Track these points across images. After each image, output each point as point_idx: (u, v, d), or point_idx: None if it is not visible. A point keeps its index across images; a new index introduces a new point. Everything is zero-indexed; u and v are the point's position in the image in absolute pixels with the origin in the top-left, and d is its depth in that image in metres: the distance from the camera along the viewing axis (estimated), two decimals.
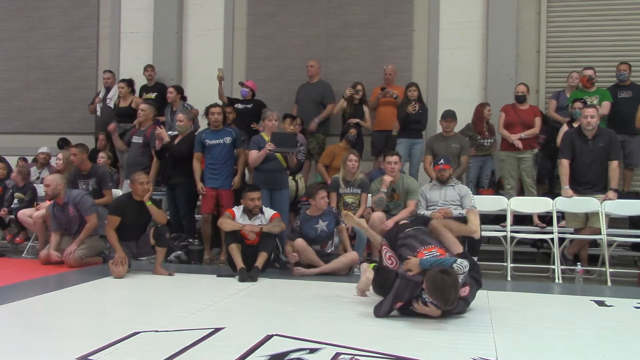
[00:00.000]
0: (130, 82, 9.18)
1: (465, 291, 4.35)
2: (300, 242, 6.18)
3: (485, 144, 8.05)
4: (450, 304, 4.12)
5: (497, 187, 8.10)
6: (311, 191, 6.54)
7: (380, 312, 4.38)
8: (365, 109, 8.49)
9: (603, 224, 6.48)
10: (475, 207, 6.63)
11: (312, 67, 8.87)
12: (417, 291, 4.25)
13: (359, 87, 8.38)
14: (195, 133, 7.59)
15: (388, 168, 6.87)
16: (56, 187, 6.76)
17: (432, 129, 8.53)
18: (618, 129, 7.50)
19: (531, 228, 7.34)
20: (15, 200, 8.21)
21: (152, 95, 9.16)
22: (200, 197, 7.38)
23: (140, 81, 9.48)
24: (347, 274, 6.25)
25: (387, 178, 6.77)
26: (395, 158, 6.90)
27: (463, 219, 5.99)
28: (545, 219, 7.31)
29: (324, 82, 8.94)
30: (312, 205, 6.46)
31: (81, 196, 6.83)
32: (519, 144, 7.49)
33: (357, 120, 8.28)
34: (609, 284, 6.16)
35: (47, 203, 7.09)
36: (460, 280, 4.20)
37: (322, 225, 6.37)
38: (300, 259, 6.22)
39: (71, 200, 6.76)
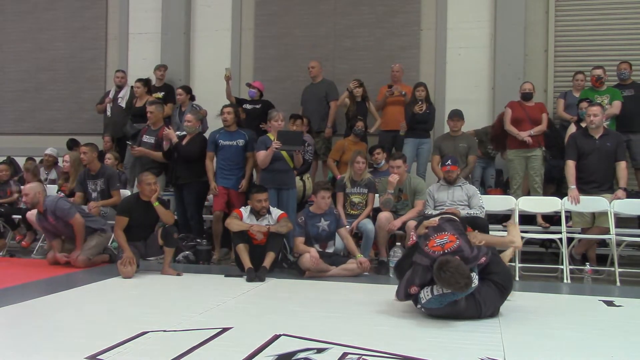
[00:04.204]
0: (147, 82, 9.16)
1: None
2: (307, 258, 6.08)
3: (492, 154, 8.09)
4: (466, 286, 4.14)
5: (505, 187, 8.08)
6: (315, 188, 6.51)
7: (399, 295, 4.49)
8: (369, 105, 8.52)
9: (612, 224, 6.45)
10: (484, 207, 6.63)
11: (313, 67, 8.86)
12: (427, 276, 4.29)
13: (355, 82, 8.39)
14: (205, 133, 7.63)
15: (392, 172, 6.86)
16: (35, 196, 6.72)
17: (439, 129, 8.52)
18: (623, 127, 7.47)
19: (540, 228, 7.31)
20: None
21: (160, 95, 9.18)
22: (211, 196, 7.41)
23: None
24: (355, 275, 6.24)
25: (392, 179, 6.75)
26: (398, 162, 6.84)
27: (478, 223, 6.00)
28: (554, 218, 7.28)
29: (327, 81, 8.93)
30: (314, 203, 6.43)
31: (56, 202, 6.71)
32: (530, 140, 7.45)
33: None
34: (618, 283, 6.13)
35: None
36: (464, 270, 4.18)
37: (323, 224, 6.36)
38: (311, 271, 6.20)
39: (49, 209, 6.68)
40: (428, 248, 4.42)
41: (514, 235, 5.11)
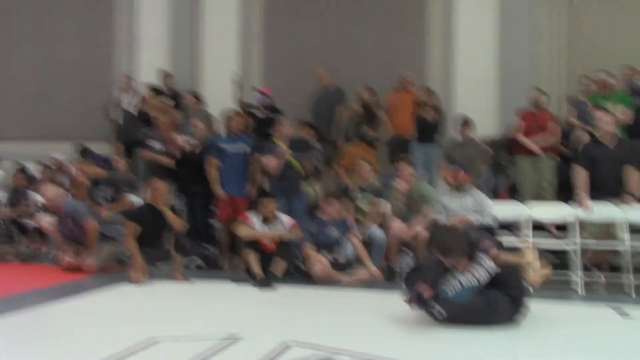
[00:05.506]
0: (155, 88, 9.17)
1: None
2: (318, 266, 6.08)
3: (503, 163, 8.08)
4: (449, 250, 4.19)
5: (513, 193, 8.03)
6: (327, 197, 6.56)
7: (410, 299, 4.45)
8: (378, 112, 8.50)
9: (626, 233, 6.38)
10: (494, 215, 6.58)
11: (321, 74, 8.86)
12: (440, 271, 4.29)
13: (366, 89, 8.37)
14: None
15: (398, 176, 6.83)
16: (56, 200, 6.78)
17: (448, 136, 8.49)
18: (632, 136, 7.39)
19: (554, 239, 7.21)
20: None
21: (168, 101, 9.17)
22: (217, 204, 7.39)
23: None
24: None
25: (399, 186, 6.71)
26: (403, 165, 6.84)
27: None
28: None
29: (335, 87, 8.93)
30: (326, 211, 6.42)
31: (73, 205, 6.79)
32: (539, 150, 7.39)
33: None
34: (634, 295, 6.04)
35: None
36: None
37: (334, 232, 6.34)
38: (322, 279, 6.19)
39: (67, 212, 6.75)
40: None
41: (531, 256, 5.07)
